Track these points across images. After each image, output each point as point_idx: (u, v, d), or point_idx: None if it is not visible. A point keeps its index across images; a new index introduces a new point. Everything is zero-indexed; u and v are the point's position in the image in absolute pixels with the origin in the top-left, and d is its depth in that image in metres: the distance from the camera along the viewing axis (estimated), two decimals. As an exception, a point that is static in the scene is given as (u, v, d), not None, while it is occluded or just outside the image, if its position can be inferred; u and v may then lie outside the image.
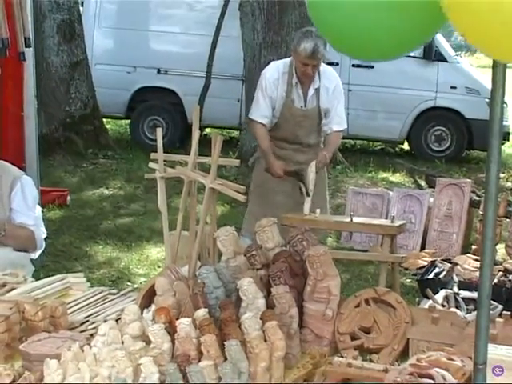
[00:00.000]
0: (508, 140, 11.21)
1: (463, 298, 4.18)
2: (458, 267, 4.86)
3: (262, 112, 5.02)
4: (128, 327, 2.71)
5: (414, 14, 1.98)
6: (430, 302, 4.05)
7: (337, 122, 5.12)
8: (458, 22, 1.85)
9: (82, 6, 11.50)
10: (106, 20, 11.54)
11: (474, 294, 3.92)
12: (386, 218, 6.04)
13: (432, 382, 2.36)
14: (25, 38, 5.11)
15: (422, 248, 6.56)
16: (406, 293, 5.30)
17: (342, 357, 2.72)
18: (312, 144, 5.13)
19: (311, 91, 5.02)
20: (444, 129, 11.33)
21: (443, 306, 4.05)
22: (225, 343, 2.48)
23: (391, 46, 2.09)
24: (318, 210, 4.70)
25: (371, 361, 2.73)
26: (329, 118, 5.08)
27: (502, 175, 9.60)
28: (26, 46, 5.14)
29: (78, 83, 10.81)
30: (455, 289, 4.34)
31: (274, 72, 5.05)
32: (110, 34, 11.60)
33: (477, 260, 4.76)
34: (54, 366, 2.45)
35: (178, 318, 2.70)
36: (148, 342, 2.62)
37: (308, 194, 4.74)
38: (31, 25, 5.40)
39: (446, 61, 11.10)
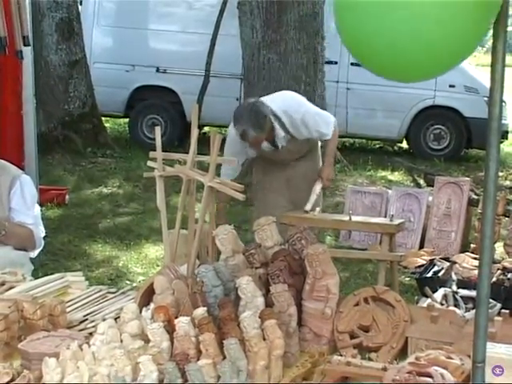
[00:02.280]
0: (507, 138, 11.22)
1: (462, 297, 4.19)
2: (457, 266, 4.86)
3: (227, 171, 4.76)
4: (127, 326, 2.71)
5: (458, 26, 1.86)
6: (429, 300, 4.06)
7: (323, 133, 4.92)
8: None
9: (81, 4, 11.49)
10: (104, 18, 11.53)
11: (473, 293, 3.93)
12: (385, 217, 6.04)
13: (431, 380, 2.36)
14: (23, 37, 5.10)
15: (421, 246, 6.56)
16: (404, 291, 5.30)
17: (341, 355, 2.72)
18: (302, 155, 5.05)
19: (278, 137, 4.84)
20: (443, 127, 11.34)
21: (442, 304, 4.05)
22: (224, 342, 2.48)
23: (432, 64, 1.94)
24: (317, 209, 4.70)
25: (370, 359, 2.73)
26: (315, 135, 4.92)
27: (500, 174, 9.61)
28: (24, 45, 5.13)
29: (77, 82, 10.81)
30: (454, 287, 4.35)
31: (234, 142, 4.85)
32: (108, 32, 11.60)
33: (475, 258, 4.76)
34: (53, 365, 2.45)
35: (176, 317, 2.70)
36: (147, 340, 2.62)
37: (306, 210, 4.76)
38: (30, 23, 5.40)
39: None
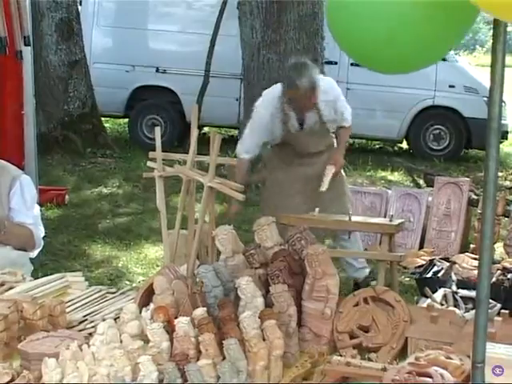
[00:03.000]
0: (506, 139, 11.22)
1: (462, 297, 4.18)
2: (457, 266, 4.85)
3: (245, 147, 5.07)
4: (126, 326, 2.71)
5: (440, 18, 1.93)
6: (429, 300, 4.05)
7: (345, 117, 5.23)
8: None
9: (81, 4, 11.49)
10: (104, 19, 11.53)
11: (473, 293, 3.93)
12: (385, 217, 6.04)
13: (430, 380, 2.36)
14: (24, 37, 5.11)
15: (421, 247, 6.56)
16: (404, 291, 5.30)
17: (341, 356, 2.72)
18: (321, 151, 5.14)
19: (310, 116, 5.03)
20: (442, 128, 11.34)
21: (442, 304, 4.05)
22: (223, 342, 2.48)
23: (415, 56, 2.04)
24: (316, 210, 4.70)
25: (370, 360, 2.73)
26: (338, 117, 5.17)
27: (500, 174, 9.61)
28: (25, 45, 5.14)
29: (77, 82, 10.81)
30: (454, 287, 4.34)
31: (270, 109, 5.01)
32: (108, 32, 11.60)
33: (475, 259, 4.76)
34: (53, 365, 2.45)
35: (176, 317, 2.70)
36: (146, 340, 2.62)
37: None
38: (30, 23, 5.40)
39: (445, 59, 11.09)
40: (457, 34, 2.05)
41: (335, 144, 5.27)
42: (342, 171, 5.34)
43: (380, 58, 2.08)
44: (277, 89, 5.02)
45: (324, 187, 4.97)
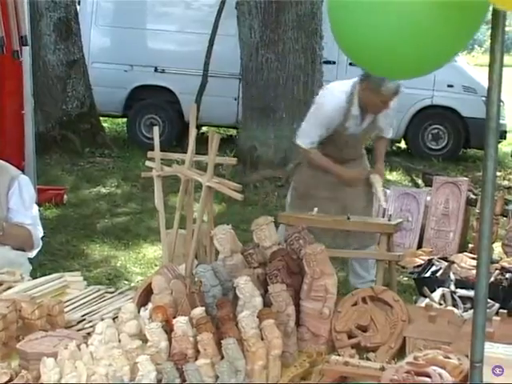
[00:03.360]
0: (505, 138, 11.23)
1: (460, 297, 4.18)
2: (455, 265, 4.85)
3: (311, 138, 4.94)
4: (125, 326, 2.71)
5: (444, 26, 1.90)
6: (427, 300, 4.06)
7: (389, 129, 5.23)
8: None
9: (79, 4, 11.48)
10: (102, 18, 11.52)
11: (471, 293, 3.92)
12: (383, 217, 6.04)
13: (429, 380, 2.36)
14: (21, 37, 5.11)
15: (419, 246, 6.55)
16: (402, 291, 5.30)
17: (339, 355, 2.72)
18: (355, 158, 5.14)
19: (370, 117, 4.98)
20: (441, 127, 11.33)
21: (440, 304, 4.05)
22: (222, 342, 2.48)
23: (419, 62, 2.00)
24: (315, 209, 4.69)
25: (368, 359, 2.73)
26: (385, 126, 5.17)
27: (498, 174, 9.61)
28: (22, 45, 5.14)
29: (75, 82, 10.80)
30: (452, 287, 4.34)
31: (336, 104, 4.89)
32: (106, 32, 11.59)
33: (474, 258, 4.76)
34: (51, 365, 2.45)
35: (174, 317, 2.70)
36: (145, 340, 2.62)
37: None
38: (28, 23, 5.40)
39: (443, 59, 11.09)
40: (463, 38, 2.01)
41: (365, 154, 5.26)
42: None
43: (383, 64, 2.04)
44: (347, 85, 4.92)
45: (382, 200, 4.95)
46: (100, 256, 6.56)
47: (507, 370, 2.37)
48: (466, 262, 4.90)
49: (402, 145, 12.01)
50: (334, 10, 2.05)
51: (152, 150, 3.38)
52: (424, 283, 4.52)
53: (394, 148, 12.17)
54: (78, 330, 2.91)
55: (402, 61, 1.99)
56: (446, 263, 4.84)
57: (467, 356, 2.27)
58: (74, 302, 3.21)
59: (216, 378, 2.43)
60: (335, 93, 4.95)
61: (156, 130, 3.43)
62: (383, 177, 5.22)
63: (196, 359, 2.52)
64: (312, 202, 4.84)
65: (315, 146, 4.96)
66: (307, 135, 4.96)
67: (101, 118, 11.49)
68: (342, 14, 2.01)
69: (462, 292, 4.22)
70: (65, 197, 8.14)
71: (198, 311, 2.68)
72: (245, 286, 2.72)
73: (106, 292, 3.35)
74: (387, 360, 2.69)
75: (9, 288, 3.27)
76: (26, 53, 5.47)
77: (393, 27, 1.91)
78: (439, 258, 5.06)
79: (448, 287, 4.31)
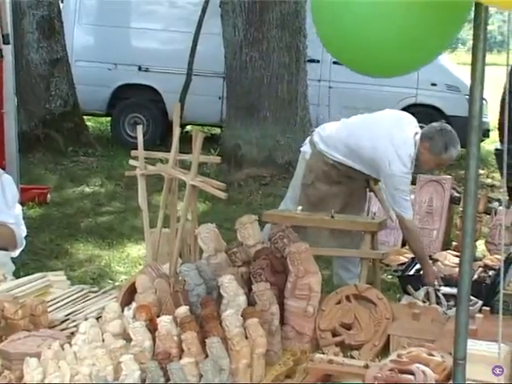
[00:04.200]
0: (488, 137, 11.26)
1: (444, 294, 4.20)
2: (439, 263, 4.88)
3: (411, 207, 4.77)
4: (109, 325, 2.70)
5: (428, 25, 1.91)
6: (411, 298, 4.07)
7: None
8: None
9: (62, 2, 11.42)
10: (86, 16, 11.47)
11: (455, 290, 3.95)
12: (368, 215, 6.05)
13: (412, 377, 2.37)
14: (3, 35, 5.08)
15: (403, 244, 6.56)
16: (386, 289, 5.31)
17: (323, 353, 2.73)
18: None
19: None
20: (425, 125, 11.35)
21: (424, 302, 4.07)
22: (206, 340, 2.48)
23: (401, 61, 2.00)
24: (299, 208, 4.69)
25: (352, 357, 2.74)
26: None
27: (481, 172, 9.66)
28: (4, 43, 5.10)
29: (58, 80, 10.74)
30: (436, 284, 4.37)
31: (407, 173, 4.67)
32: (90, 30, 11.54)
33: (457, 256, 4.78)
34: (34, 365, 2.44)
35: (158, 316, 2.69)
36: (129, 339, 2.62)
37: None
38: (10, 21, 5.37)
39: (427, 58, 11.13)
40: (445, 37, 2.02)
41: None
42: None
43: (365, 62, 2.04)
44: (410, 146, 4.72)
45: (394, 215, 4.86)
46: (84, 255, 6.53)
47: (490, 367, 2.38)
48: (449, 260, 4.93)
49: (386, 143, 12.04)
50: (318, 10, 2.06)
51: (136, 148, 3.37)
52: (408, 281, 4.54)
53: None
54: (62, 330, 2.90)
55: (385, 59, 1.99)
56: (430, 261, 4.86)
57: (450, 353, 2.28)
58: (58, 302, 3.19)
59: (200, 376, 2.43)
60: (405, 161, 4.64)
61: (140, 128, 3.43)
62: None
63: (180, 358, 2.52)
64: (323, 208, 4.80)
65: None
66: (405, 204, 4.65)
67: (84, 117, 11.44)
68: (325, 12, 2.02)
69: (445, 289, 4.25)
70: (48, 196, 8.09)
71: (182, 310, 2.67)
72: (229, 284, 2.72)
73: (90, 291, 3.34)
74: (371, 358, 2.70)
75: (-9, 288, 3.25)
76: (9, 51, 5.44)
77: (376, 26, 1.92)
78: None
79: (433, 285, 4.34)
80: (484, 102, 9.62)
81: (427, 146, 4.73)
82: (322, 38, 2.06)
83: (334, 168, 4.83)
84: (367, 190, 5.19)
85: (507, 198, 6.84)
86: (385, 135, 4.73)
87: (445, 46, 2.08)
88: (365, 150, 4.71)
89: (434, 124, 4.99)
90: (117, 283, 5.53)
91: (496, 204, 5.65)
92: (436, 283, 4.43)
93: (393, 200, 4.66)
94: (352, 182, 4.94)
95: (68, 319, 3.01)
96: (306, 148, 5.01)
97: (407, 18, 1.90)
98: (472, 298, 3.58)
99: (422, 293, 4.27)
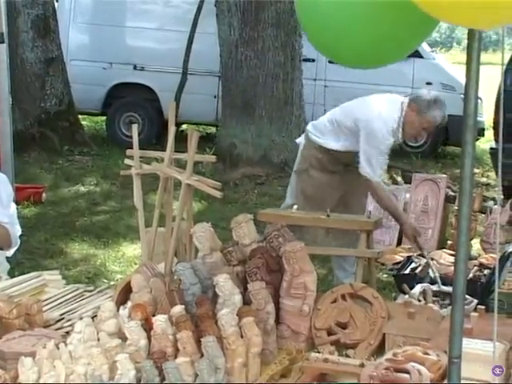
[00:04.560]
0: (483, 135, 11.28)
1: (441, 292, 4.20)
2: (434, 262, 4.88)
3: (380, 170, 4.78)
4: (104, 324, 2.70)
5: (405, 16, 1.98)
6: (407, 297, 4.07)
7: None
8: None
9: (57, 1, 11.41)
10: (81, 15, 11.46)
11: (450, 289, 3.95)
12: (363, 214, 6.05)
13: (408, 376, 2.37)
14: (-2, 34, 5.07)
15: (399, 243, 6.58)
16: (382, 288, 5.32)
17: (319, 352, 2.73)
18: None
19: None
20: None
21: (419, 300, 4.07)
22: (201, 339, 2.48)
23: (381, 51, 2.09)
24: (295, 207, 4.69)
25: (348, 356, 2.74)
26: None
27: (476, 171, 9.67)
28: (-1, 42, 5.09)
29: (53, 79, 10.73)
30: (431, 284, 4.37)
31: (389, 131, 4.72)
32: (85, 29, 11.52)
33: (452, 255, 4.79)
34: (29, 364, 2.43)
35: (154, 315, 2.69)
36: (124, 338, 2.61)
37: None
38: (5, 20, 5.36)
39: (422, 57, 11.13)
40: (415, 35, 2.08)
41: None
42: None
43: (338, 49, 2.15)
44: (395, 108, 4.79)
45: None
46: (79, 254, 6.52)
47: (485, 366, 2.38)
48: (444, 259, 4.93)
49: (382, 142, 12.04)
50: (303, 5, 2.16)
51: (131, 148, 3.37)
52: (403, 280, 4.54)
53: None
54: (57, 329, 2.89)
55: (361, 52, 2.10)
56: (425, 260, 4.86)
57: (446, 352, 2.29)
58: (53, 301, 3.19)
59: (195, 376, 2.43)
60: (387, 121, 4.73)
61: (135, 127, 3.42)
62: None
63: (175, 357, 2.52)
64: (319, 201, 4.79)
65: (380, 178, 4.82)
66: (377, 166, 4.71)
67: (79, 116, 11.43)
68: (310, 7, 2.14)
69: (441, 288, 4.24)
70: (43, 195, 8.08)
71: (178, 309, 2.67)
72: (224, 283, 2.72)
73: (85, 291, 3.34)
74: (366, 357, 2.70)
75: (-14, 287, 3.25)
76: (3, 50, 5.42)
77: (352, 15, 2.03)
78: (418, 255, 5.09)
79: (432, 283, 4.34)
80: (479, 101, 9.61)
81: (412, 105, 4.79)
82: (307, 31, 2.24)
83: (326, 154, 4.85)
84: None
85: (502, 196, 6.84)
86: (370, 101, 4.99)
87: (416, 44, 2.16)
88: (349, 117, 4.85)
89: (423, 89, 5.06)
90: (112, 282, 5.52)
91: (491, 203, 5.65)
92: (417, 237, 4.55)
93: (368, 159, 4.68)
94: (348, 173, 4.93)
95: (63, 318, 3.01)
96: (300, 139, 5.10)
97: (382, 16, 1.99)
98: (467, 296, 3.58)
99: (417, 291, 4.27)
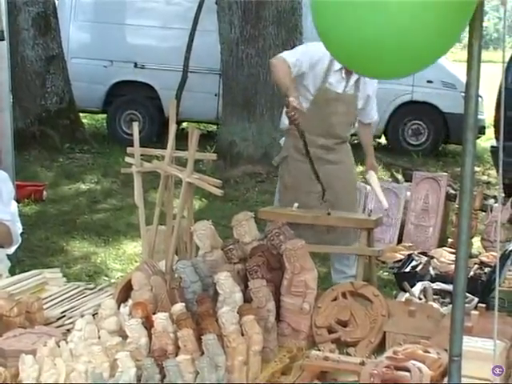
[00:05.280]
0: (483, 134, 11.28)
1: (441, 290, 4.20)
2: (435, 260, 4.88)
3: (291, 58, 4.53)
4: (105, 322, 2.70)
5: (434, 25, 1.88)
6: (407, 295, 4.07)
7: (375, 112, 5.00)
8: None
9: (58, -1, 11.43)
10: (82, 13, 11.46)
11: (450, 287, 3.95)
12: (363, 212, 6.05)
13: (408, 374, 2.37)
14: (-2, 32, 5.06)
15: (399, 241, 6.59)
16: (383, 286, 5.32)
17: (319, 350, 2.73)
18: (344, 138, 4.85)
19: (354, 77, 4.69)
20: (421, 123, 11.38)
21: (420, 298, 4.07)
22: (202, 337, 2.48)
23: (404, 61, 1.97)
24: (295, 205, 4.68)
25: (348, 354, 2.74)
26: (369, 106, 4.91)
27: (477, 169, 9.67)
28: None
29: (54, 77, 10.73)
30: (431, 282, 4.36)
31: (321, 51, 4.30)
32: (86, 27, 11.52)
33: (453, 253, 4.79)
34: (30, 362, 2.43)
35: (154, 313, 2.69)
36: (125, 336, 2.62)
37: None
38: (5, 18, 5.35)
39: (423, 55, 11.13)
40: (449, 38, 1.99)
41: (348, 144, 4.97)
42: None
43: (366, 64, 2.01)
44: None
45: (384, 202, 4.78)
46: (80, 252, 6.52)
47: (485, 364, 2.38)
48: (445, 257, 4.93)
49: (382, 140, 12.05)
50: (318, 9, 2.03)
51: (132, 145, 3.37)
52: (404, 278, 4.54)
53: (374, 143, 12.21)
54: (58, 327, 2.90)
55: (386, 61, 1.96)
56: (426, 258, 4.87)
57: (446, 350, 2.29)
58: (54, 299, 3.19)
59: (196, 373, 2.43)
60: (317, 52, 4.53)
61: (135, 125, 3.42)
62: (377, 170, 5.02)
63: (176, 355, 2.52)
64: (300, 193, 4.74)
65: (292, 69, 4.53)
66: (289, 54, 4.59)
67: (80, 114, 11.43)
68: (327, 14, 1.98)
69: (441, 286, 4.24)
70: (44, 193, 8.09)
71: (178, 307, 2.67)
72: (225, 281, 2.72)
73: (86, 288, 3.34)
74: (367, 355, 2.71)
75: (-13, 285, 3.25)
76: (4, 48, 5.42)
77: (378, 27, 1.88)
78: (419, 253, 5.09)
79: (432, 281, 4.33)
80: (480, 99, 9.62)
81: None
82: (324, 40, 2.04)
83: (301, 137, 4.61)
84: (355, 183, 5.12)
85: (503, 194, 6.85)
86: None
87: (447, 49, 2.03)
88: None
89: None
90: (113, 280, 5.53)
91: (492, 201, 5.66)
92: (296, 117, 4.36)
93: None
94: (327, 162, 4.84)
95: (64, 316, 3.01)
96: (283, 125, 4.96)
97: (408, 18, 1.87)
98: (468, 294, 3.58)
99: (418, 289, 4.27)
